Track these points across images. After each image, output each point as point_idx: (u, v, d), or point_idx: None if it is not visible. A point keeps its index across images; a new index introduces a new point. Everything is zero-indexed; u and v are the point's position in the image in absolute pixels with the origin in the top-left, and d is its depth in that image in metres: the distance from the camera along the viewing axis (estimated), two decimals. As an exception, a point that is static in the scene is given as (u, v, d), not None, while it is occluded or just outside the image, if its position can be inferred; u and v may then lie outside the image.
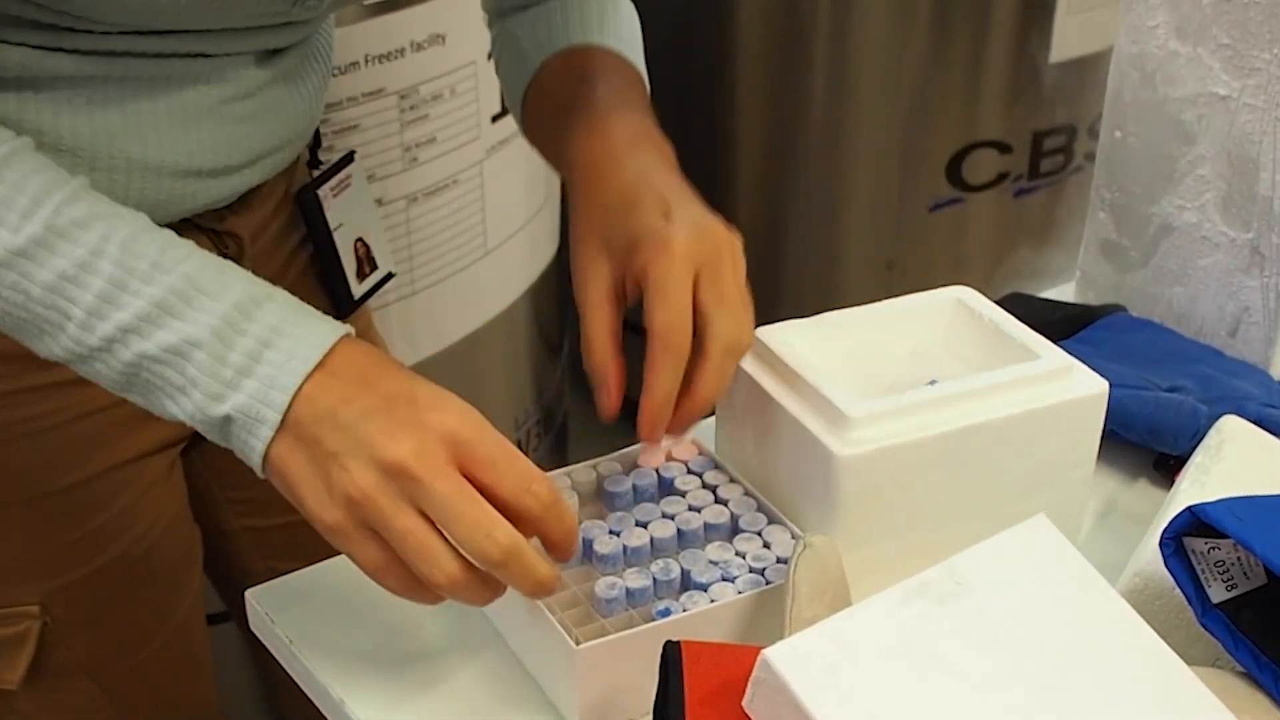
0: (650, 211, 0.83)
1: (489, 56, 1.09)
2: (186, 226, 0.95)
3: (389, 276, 1.19)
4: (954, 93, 2.23)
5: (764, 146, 2.27)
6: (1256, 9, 1.03)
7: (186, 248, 0.77)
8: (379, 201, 1.57)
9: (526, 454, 2.10)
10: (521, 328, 1.90)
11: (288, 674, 0.89)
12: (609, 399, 0.83)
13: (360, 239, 1.15)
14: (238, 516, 1.16)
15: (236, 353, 0.74)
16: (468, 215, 1.68)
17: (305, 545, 1.13)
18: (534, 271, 1.90)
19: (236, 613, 1.27)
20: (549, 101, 0.97)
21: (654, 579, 0.81)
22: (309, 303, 1.10)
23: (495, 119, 1.66)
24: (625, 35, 1.01)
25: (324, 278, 1.13)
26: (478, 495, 0.72)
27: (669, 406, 0.81)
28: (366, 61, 1.50)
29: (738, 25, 2.20)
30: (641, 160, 0.87)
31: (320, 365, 0.74)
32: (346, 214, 1.13)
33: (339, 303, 1.14)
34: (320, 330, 0.76)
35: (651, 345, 0.80)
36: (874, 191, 2.27)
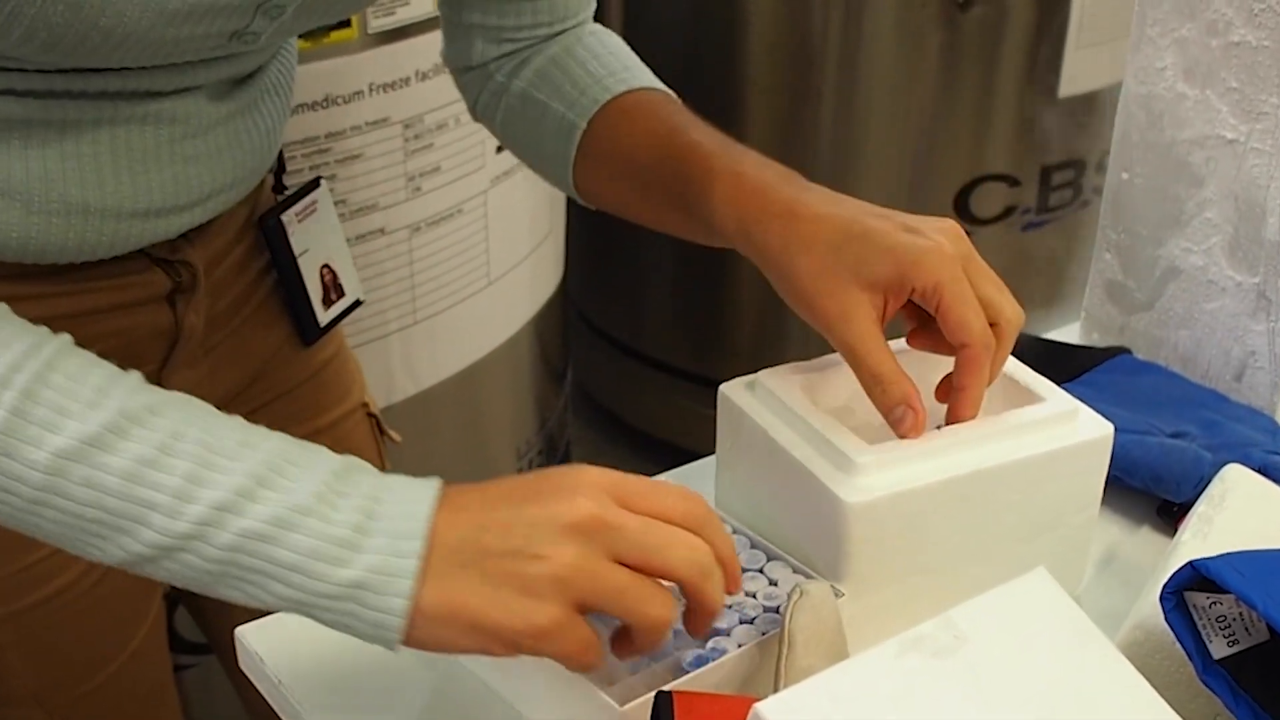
0: (893, 232, 0.84)
1: (471, 108, 1.07)
2: (138, 257, 0.94)
3: (357, 303, 1.19)
4: (963, 126, 2.23)
5: (771, 178, 2.27)
6: (1265, 53, 1.02)
7: (266, 430, 0.72)
8: (381, 231, 1.57)
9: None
10: (524, 358, 1.89)
11: (274, 711, 0.88)
12: (916, 421, 0.83)
13: (327, 265, 1.14)
14: None
15: (347, 513, 0.68)
16: (471, 245, 1.68)
17: None
18: (537, 302, 1.89)
19: (215, 644, 1.25)
20: (640, 156, 0.96)
21: (673, 629, 0.80)
22: (273, 330, 1.11)
23: (500, 149, 1.66)
24: (642, 67, 1.02)
25: (288, 304, 1.11)
26: (661, 520, 0.71)
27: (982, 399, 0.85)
28: (371, 90, 1.50)
29: (747, 58, 2.19)
30: (817, 194, 0.87)
31: (439, 500, 0.70)
32: (312, 240, 1.12)
33: (304, 330, 1.12)
34: (420, 481, 0.71)
35: (970, 352, 0.83)
36: (881, 224, 2.26)
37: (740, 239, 0.87)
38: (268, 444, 0.70)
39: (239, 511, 0.68)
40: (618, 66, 1.00)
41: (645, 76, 1.01)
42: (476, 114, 1.08)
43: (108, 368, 0.71)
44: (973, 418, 0.85)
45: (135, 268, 0.95)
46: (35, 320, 0.75)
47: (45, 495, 0.68)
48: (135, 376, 0.71)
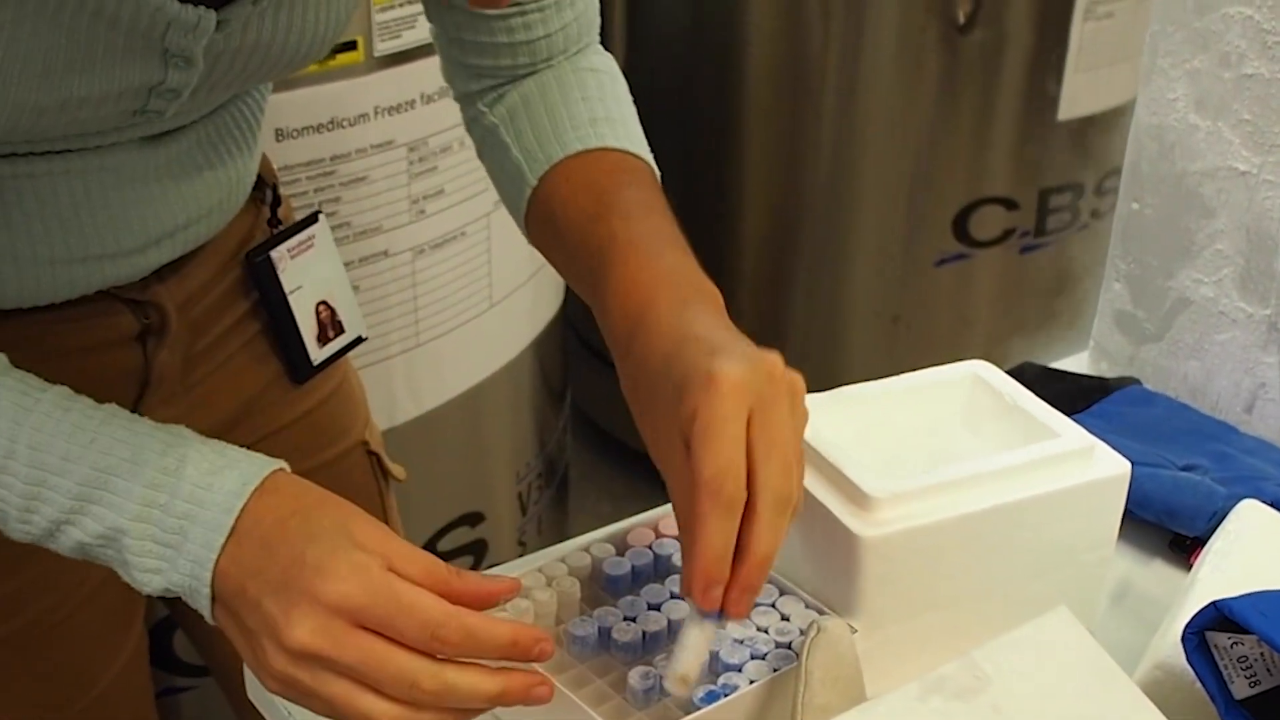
0: (694, 353, 0.74)
1: (465, 125, 1.03)
2: (104, 298, 0.92)
3: (358, 340, 1.14)
4: (961, 148, 2.23)
5: (771, 200, 2.27)
6: (1278, 85, 1.02)
7: (92, 424, 0.76)
8: (385, 254, 1.56)
9: (527, 507, 2.07)
10: (525, 380, 1.89)
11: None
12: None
13: (324, 302, 1.10)
14: None
15: (162, 531, 0.74)
16: (474, 268, 1.67)
17: None
18: (539, 324, 1.89)
19: (213, 666, 1.23)
20: (569, 235, 0.89)
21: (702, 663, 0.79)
22: (262, 368, 1.07)
23: (504, 172, 1.65)
24: (619, 117, 0.94)
25: (277, 342, 1.08)
26: (390, 649, 0.69)
27: (724, 564, 0.70)
28: (376, 113, 1.49)
29: (746, 79, 2.19)
30: (687, 312, 0.79)
31: (231, 535, 0.73)
32: (307, 276, 1.08)
33: (295, 369, 1.09)
34: (229, 490, 0.74)
35: (698, 496, 0.70)
36: (880, 246, 2.26)
37: (612, 344, 0.84)
38: (88, 455, 0.75)
39: (75, 525, 0.75)
40: (584, 118, 0.92)
41: (609, 131, 0.92)
42: (468, 130, 1.04)
43: None
44: (707, 580, 0.70)
45: (101, 309, 0.93)
46: None
47: None
48: None
